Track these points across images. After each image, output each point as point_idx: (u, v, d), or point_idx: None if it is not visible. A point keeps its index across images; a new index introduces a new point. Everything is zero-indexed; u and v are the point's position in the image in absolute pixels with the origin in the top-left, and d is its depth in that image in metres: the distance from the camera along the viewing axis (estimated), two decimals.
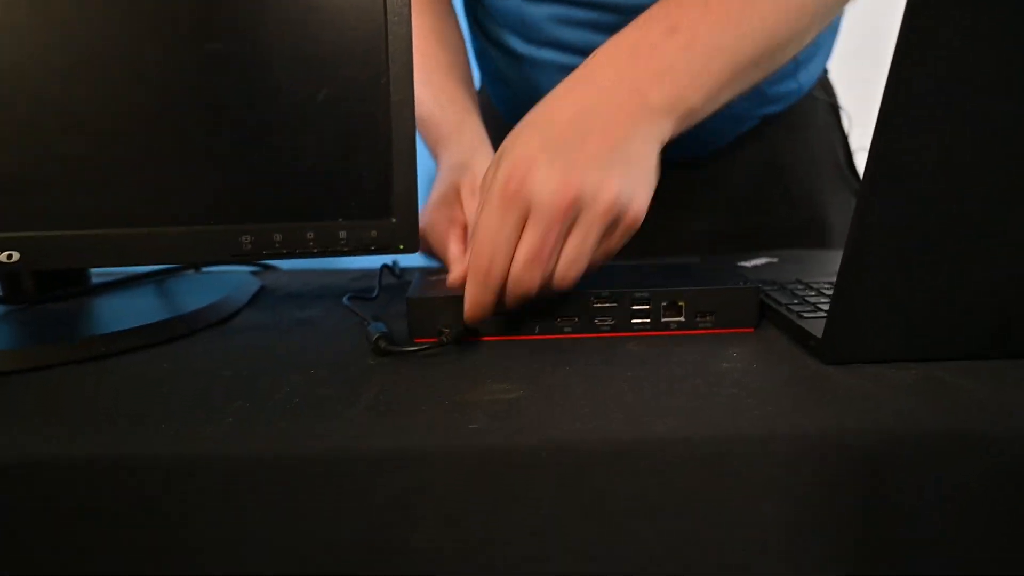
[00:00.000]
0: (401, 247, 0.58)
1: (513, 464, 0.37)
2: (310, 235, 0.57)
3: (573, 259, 0.49)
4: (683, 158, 0.86)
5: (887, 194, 0.40)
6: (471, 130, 0.70)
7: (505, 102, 0.92)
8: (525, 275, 0.48)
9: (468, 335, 0.53)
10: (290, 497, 0.37)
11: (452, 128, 0.70)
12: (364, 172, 0.57)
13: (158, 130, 0.54)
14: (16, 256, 0.53)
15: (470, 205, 0.61)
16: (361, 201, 0.58)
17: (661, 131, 0.52)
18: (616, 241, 0.51)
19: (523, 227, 0.48)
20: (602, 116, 0.51)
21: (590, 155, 0.49)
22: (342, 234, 0.57)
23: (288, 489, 0.37)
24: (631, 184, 0.50)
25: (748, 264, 0.68)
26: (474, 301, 0.50)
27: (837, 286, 0.43)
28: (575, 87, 0.53)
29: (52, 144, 0.53)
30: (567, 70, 0.56)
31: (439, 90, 0.73)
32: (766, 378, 0.45)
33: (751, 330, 0.54)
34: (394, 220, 0.58)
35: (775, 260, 0.69)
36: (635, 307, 0.53)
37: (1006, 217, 0.42)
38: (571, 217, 0.48)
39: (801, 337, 0.49)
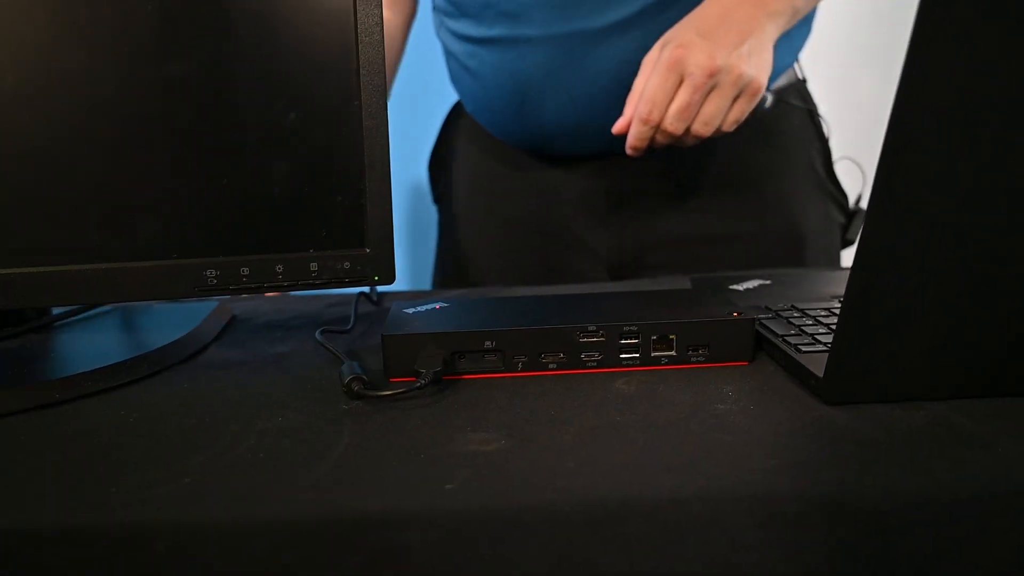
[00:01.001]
0: (376, 279, 0.55)
1: (491, 531, 0.34)
2: (279, 268, 0.54)
3: (712, 114, 0.70)
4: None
5: (895, 219, 0.38)
6: None
7: (472, 98, 0.90)
8: (675, 122, 0.69)
9: (447, 373, 0.50)
10: (247, 569, 0.34)
11: None
12: (336, 200, 0.54)
13: (115, 159, 0.51)
14: None
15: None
16: (333, 231, 0.54)
17: (776, 29, 0.74)
18: (742, 105, 0.71)
19: (678, 89, 0.69)
20: (737, 18, 0.70)
21: (729, 43, 0.69)
22: (313, 266, 0.54)
23: (245, 560, 0.34)
24: (754, 66, 0.70)
25: (740, 287, 0.65)
26: (638, 136, 0.71)
27: (840, 319, 0.40)
28: None
29: (1, 179, 0.50)
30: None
31: None
32: (764, 422, 0.42)
33: (746, 364, 0.51)
34: (368, 251, 0.55)
35: (767, 282, 0.66)
36: (623, 341, 0.50)
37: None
38: (712, 84, 0.68)
39: (800, 374, 0.46)
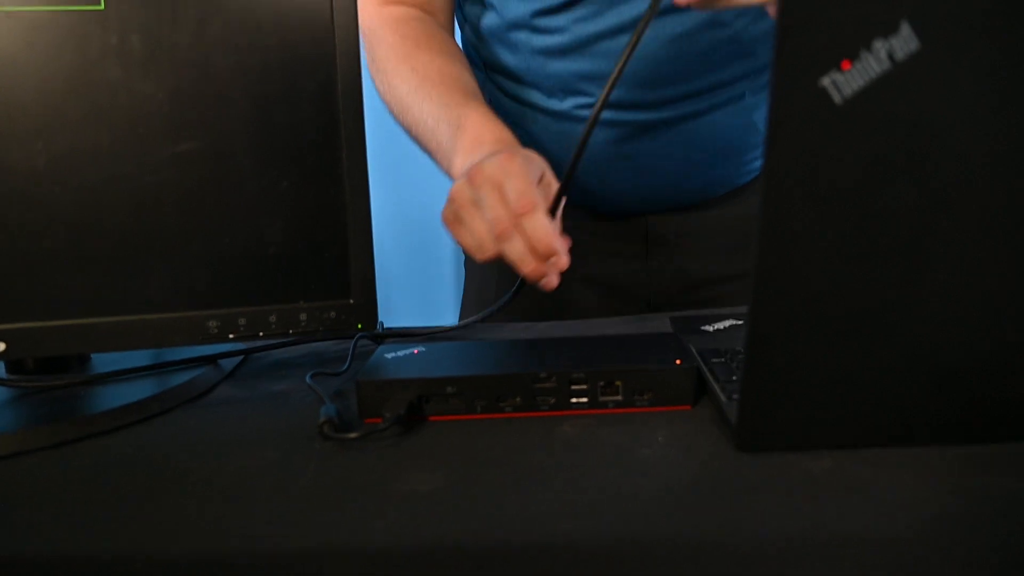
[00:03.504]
0: (360, 326, 0.61)
1: (400, 569, 0.39)
2: (272, 318, 0.60)
3: None
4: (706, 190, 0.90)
5: (779, 283, 0.41)
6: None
7: None
8: None
9: (415, 414, 0.55)
10: None
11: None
12: (323, 256, 0.61)
13: (130, 225, 0.58)
14: (2, 347, 0.58)
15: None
16: (320, 284, 0.61)
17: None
18: None
19: None
20: None
21: None
22: (303, 316, 0.61)
23: None
24: None
25: (711, 328, 0.68)
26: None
27: (743, 371, 0.44)
28: None
29: (35, 243, 0.58)
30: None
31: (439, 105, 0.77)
32: (679, 469, 0.46)
33: (688, 408, 0.55)
34: (352, 301, 0.61)
35: (739, 323, 0.70)
36: (574, 387, 0.55)
37: (916, 297, 0.42)
38: None
39: (725, 420, 0.50)
